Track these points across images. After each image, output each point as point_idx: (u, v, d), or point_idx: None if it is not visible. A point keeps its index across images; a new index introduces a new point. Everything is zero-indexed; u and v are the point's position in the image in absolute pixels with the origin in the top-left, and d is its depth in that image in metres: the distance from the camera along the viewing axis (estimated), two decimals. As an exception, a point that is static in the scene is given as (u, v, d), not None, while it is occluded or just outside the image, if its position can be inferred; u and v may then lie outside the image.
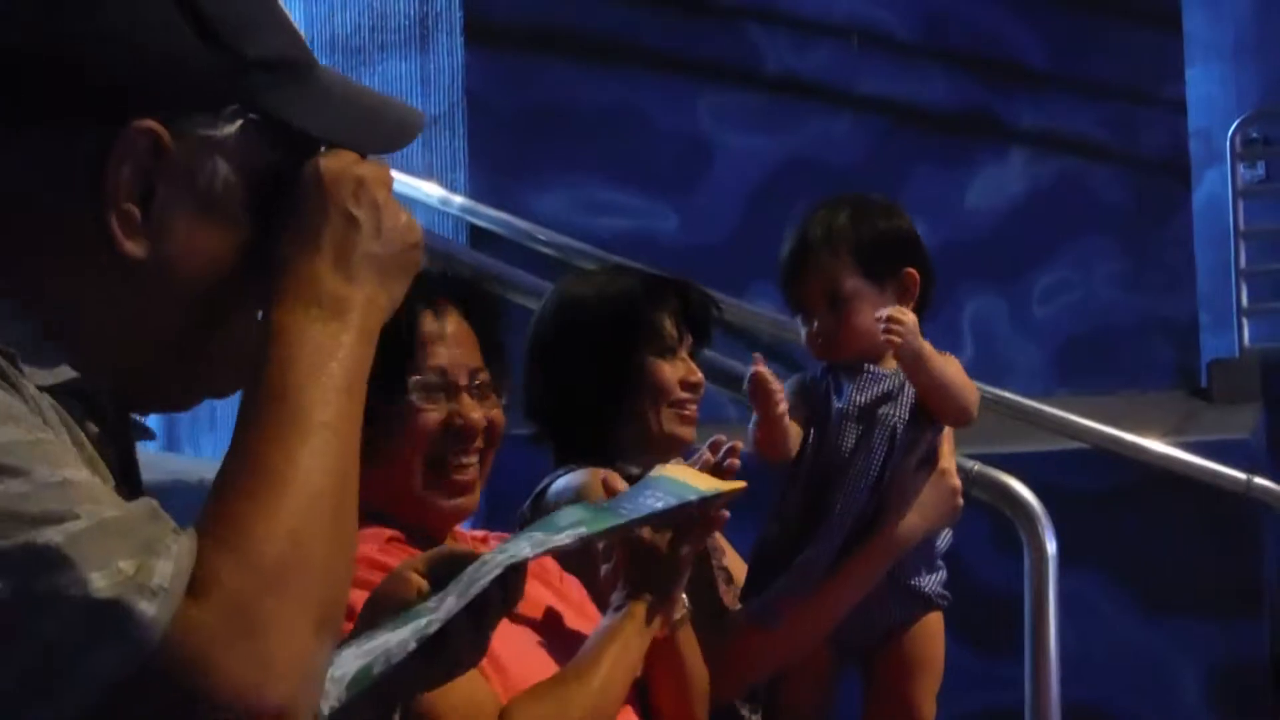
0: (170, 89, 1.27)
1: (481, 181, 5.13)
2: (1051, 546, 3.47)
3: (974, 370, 5.85)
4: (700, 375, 2.71)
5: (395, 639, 1.52)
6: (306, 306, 1.26)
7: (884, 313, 2.61)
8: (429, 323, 2.12)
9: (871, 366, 2.70)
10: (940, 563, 2.79)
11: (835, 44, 6.52)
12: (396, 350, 2.02)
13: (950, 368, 2.69)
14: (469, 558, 1.61)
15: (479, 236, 5.01)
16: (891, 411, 2.66)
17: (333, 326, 1.26)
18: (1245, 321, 7.94)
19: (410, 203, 5.08)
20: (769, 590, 2.65)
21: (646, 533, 2.07)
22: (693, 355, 2.73)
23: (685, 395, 2.66)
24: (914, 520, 2.67)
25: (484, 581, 1.53)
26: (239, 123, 1.29)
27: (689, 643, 2.29)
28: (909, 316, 2.62)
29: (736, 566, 2.76)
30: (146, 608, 1.08)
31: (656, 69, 5.78)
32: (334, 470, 1.22)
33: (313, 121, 1.33)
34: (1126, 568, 5.09)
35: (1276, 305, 8.65)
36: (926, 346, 2.64)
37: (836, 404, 2.69)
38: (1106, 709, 4.94)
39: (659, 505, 1.80)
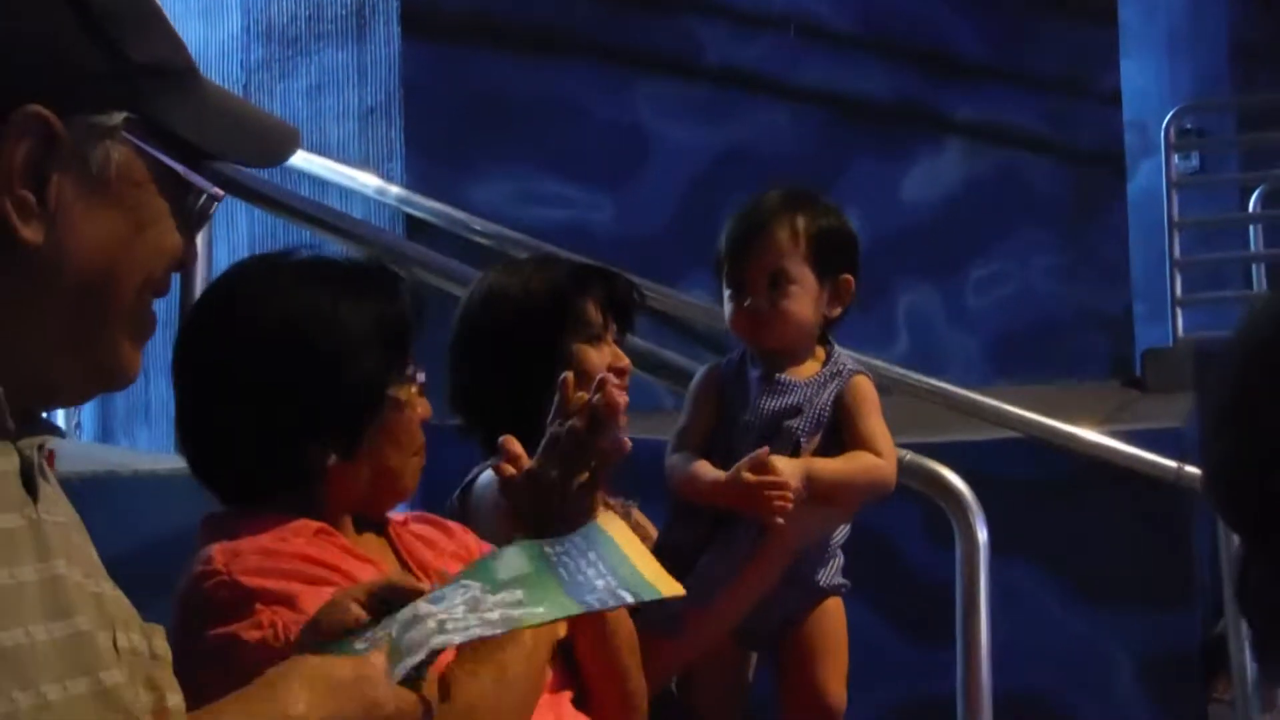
0: (59, 83, 1.28)
1: (418, 171, 5.12)
2: (983, 535, 3.48)
3: (909, 361, 5.92)
4: (627, 360, 2.72)
5: None
6: None
7: (762, 478, 2.58)
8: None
9: (782, 376, 2.71)
10: (838, 551, 2.80)
11: (774, 35, 6.53)
12: (404, 344, 2.07)
13: (851, 467, 2.68)
14: (408, 594, 1.60)
15: (415, 226, 4.99)
16: (796, 425, 2.67)
17: None
18: (1179, 311, 8.00)
19: (346, 193, 5.07)
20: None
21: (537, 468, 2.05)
22: (618, 341, 2.74)
23: (614, 381, 2.67)
24: (812, 524, 2.69)
25: (413, 660, 1.52)
26: (124, 116, 1.31)
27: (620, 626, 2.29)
28: (785, 471, 2.60)
29: None
30: None
31: (595, 60, 5.78)
32: None
33: (194, 129, 1.36)
34: (1059, 557, 5.12)
35: (1210, 295, 8.74)
36: (819, 478, 2.63)
37: (744, 410, 2.69)
38: (1039, 697, 4.97)
39: (597, 602, 1.68)
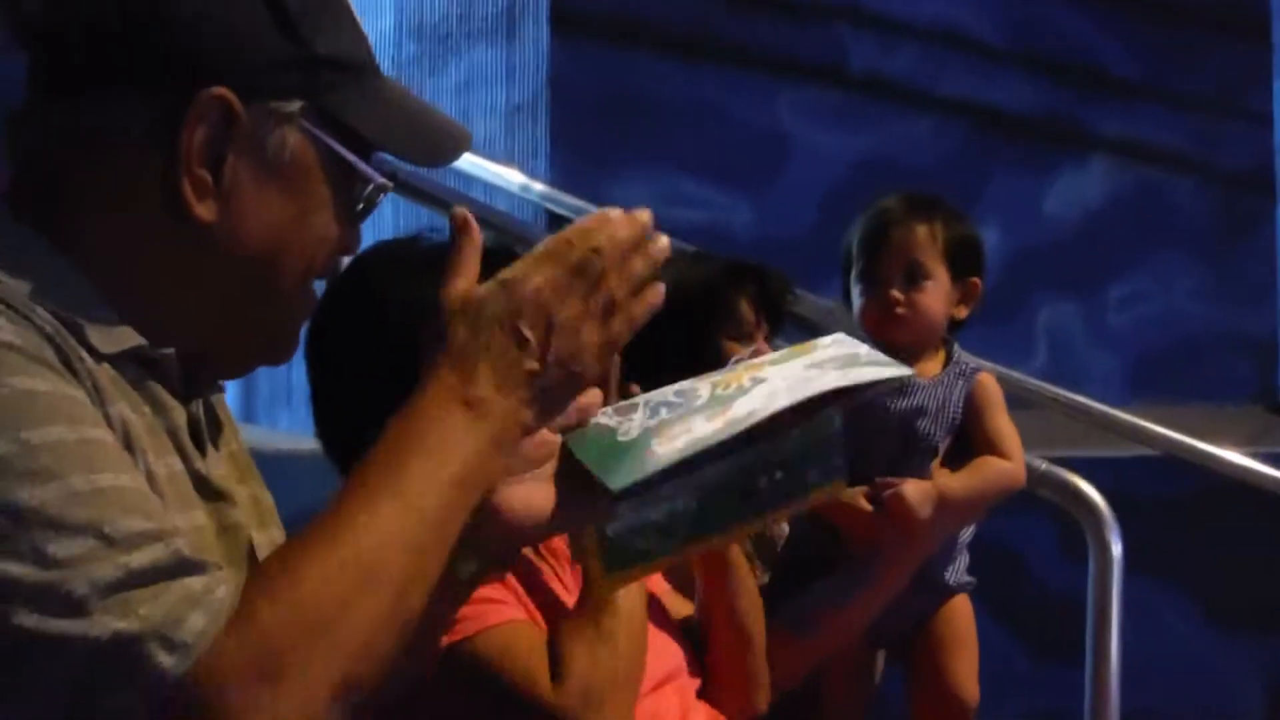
0: (245, 67, 1.33)
1: (562, 169, 5.17)
2: (1117, 549, 3.46)
3: (1047, 377, 5.88)
4: None
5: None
6: (448, 398, 1.28)
7: (890, 492, 2.58)
8: None
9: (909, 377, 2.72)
10: (964, 550, 2.80)
11: (921, 45, 6.51)
12: None
13: (982, 482, 2.68)
14: None
15: (557, 223, 5.04)
16: (931, 429, 2.68)
17: (467, 422, 1.27)
18: (1327, 339, 7.86)
19: (490, 188, 5.13)
20: (804, 597, 2.66)
21: None
22: (768, 340, 2.75)
23: (760, 379, 2.68)
24: (943, 534, 2.69)
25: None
26: (302, 104, 1.35)
27: (746, 587, 2.29)
28: (916, 501, 2.60)
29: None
30: (164, 659, 1.10)
31: (740, 64, 5.80)
32: (412, 554, 1.21)
33: (369, 124, 1.39)
34: (1193, 577, 5.06)
35: (1357, 323, 8.55)
36: (951, 499, 2.63)
37: (871, 411, 2.68)
38: (1166, 717, 4.92)
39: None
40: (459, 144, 1.50)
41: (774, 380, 1.46)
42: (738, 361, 1.94)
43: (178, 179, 1.31)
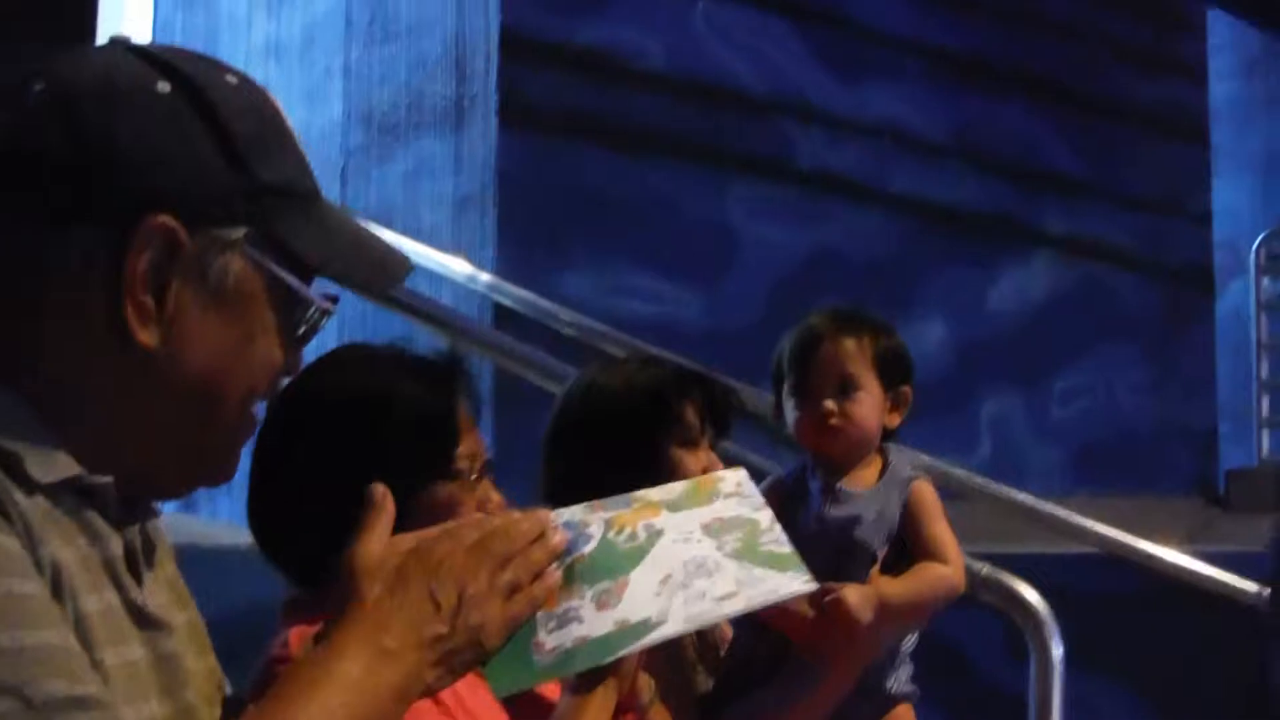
0: (190, 195, 1.34)
1: (509, 260, 5.17)
2: (1058, 651, 3.48)
3: (990, 469, 5.91)
4: (721, 467, 2.74)
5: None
6: (363, 644, 1.34)
7: (831, 597, 2.61)
8: (462, 410, 2.15)
9: (844, 486, 2.74)
10: (907, 658, 2.80)
11: (867, 141, 6.58)
12: (446, 439, 2.07)
13: (922, 585, 2.70)
14: None
15: (503, 315, 5.04)
16: (869, 538, 2.69)
17: (378, 669, 1.33)
18: (1265, 433, 7.94)
19: (436, 278, 5.13)
20: (747, 704, 2.66)
21: None
22: (713, 446, 2.76)
23: (707, 486, 2.69)
24: (883, 641, 2.70)
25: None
26: (246, 231, 1.36)
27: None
28: (856, 605, 2.62)
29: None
30: None
31: (688, 158, 5.84)
32: None
33: (312, 250, 1.41)
34: (1135, 674, 5.07)
35: (1297, 418, 8.66)
36: (891, 603, 2.65)
37: (808, 522, 2.71)
38: (1110, 815, 4.92)
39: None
40: (400, 269, 1.53)
41: (669, 541, 1.55)
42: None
43: (121, 305, 1.32)
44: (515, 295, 4.99)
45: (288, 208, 1.40)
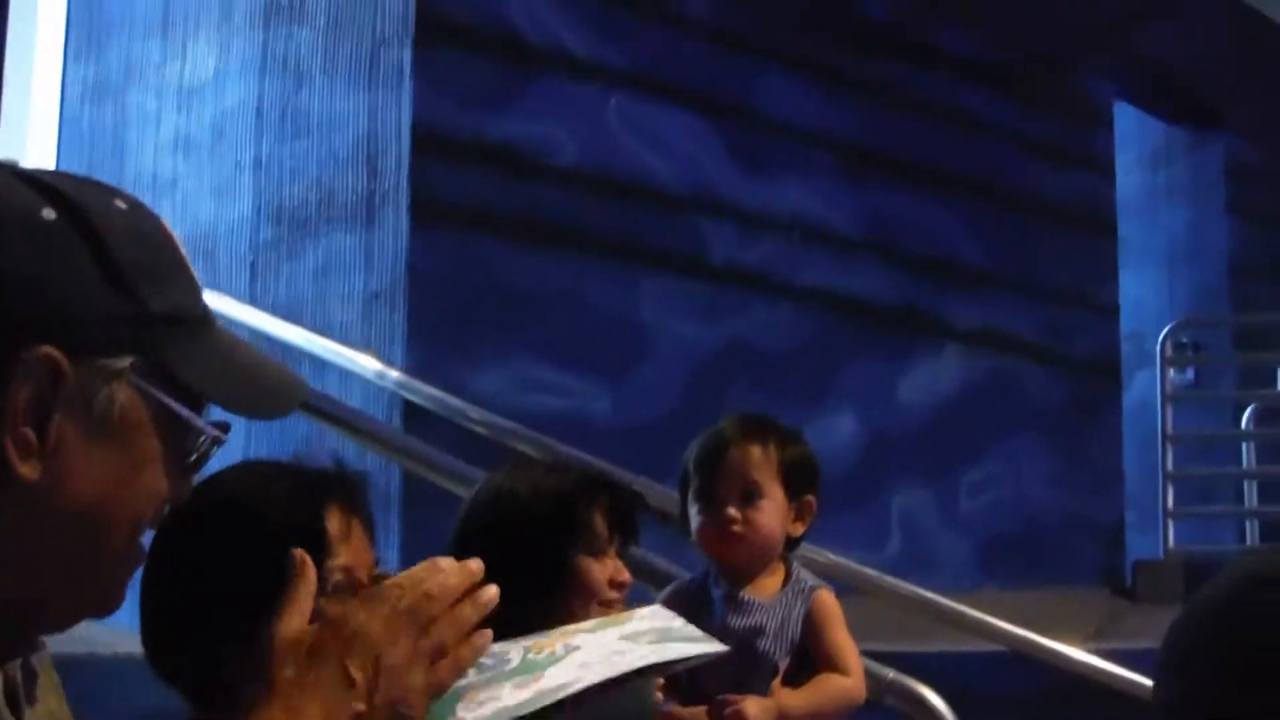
0: (73, 325, 1.31)
1: (419, 357, 5.16)
2: (964, 756, 3.49)
3: (900, 563, 5.92)
4: (628, 575, 2.73)
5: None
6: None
7: (731, 710, 2.63)
8: (334, 523, 2.12)
9: (747, 595, 2.74)
10: None
11: (779, 236, 6.63)
12: (310, 552, 2.03)
13: (822, 697, 2.72)
14: None
15: (413, 412, 5.02)
16: (771, 648, 2.70)
17: None
18: (1170, 524, 8.02)
19: (346, 375, 5.11)
20: None
21: None
22: (620, 554, 2.75)
23: (613, 595, 2.68)
24: None
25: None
26: (133, 360, 1.34)
27: None
28: (753, 710, 2.64)
29: None
30: None
31: (599, 253, 5.86)
32: None
33: (201, 379, 1.38)
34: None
35: (1201, 509, 8.77)
36: (788, 715, 2.67)
37: (710, 628, 2.71)
38: None
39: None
40: (292, 396, 1.50)
41: (587, 649, 1.49)
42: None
43: (1, 438, 1.30)
44: (425, 393, 4.96)
45: (176, 335, 1.37)
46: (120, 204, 1.38)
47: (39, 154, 6.18)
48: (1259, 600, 1.18)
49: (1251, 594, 1.20)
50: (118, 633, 5.24)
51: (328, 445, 4.59)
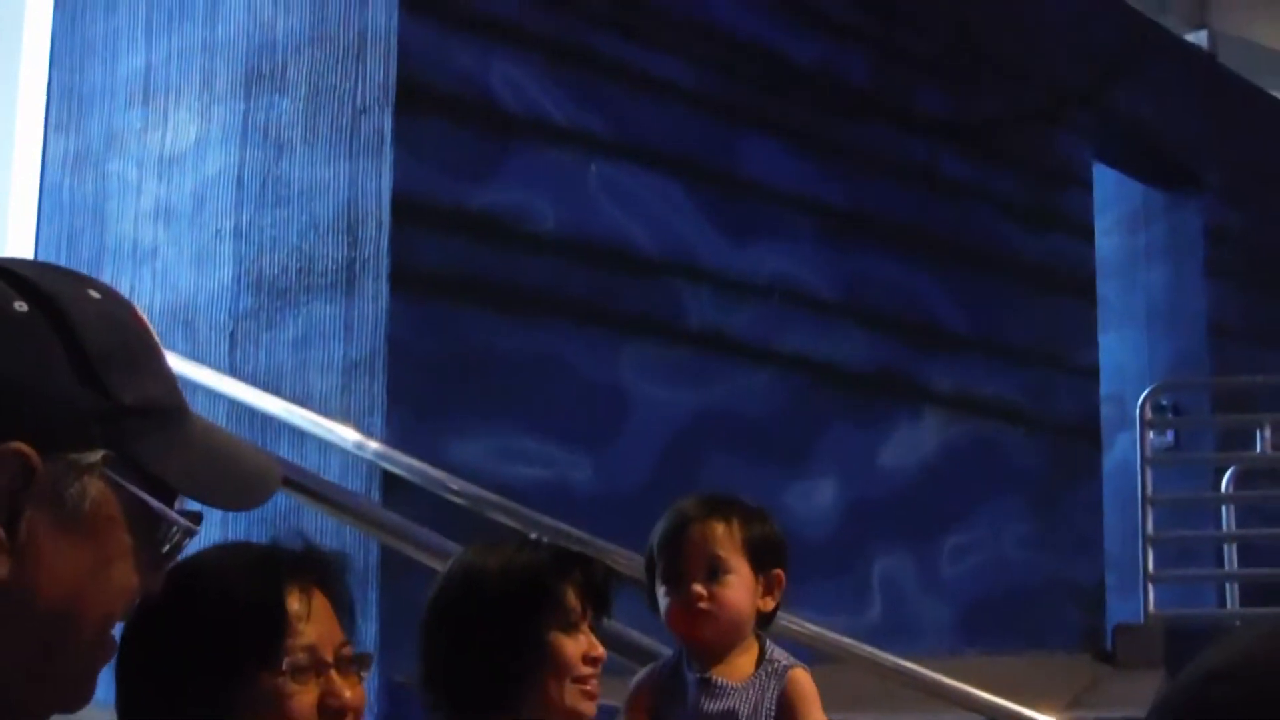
0: (43, 420, 1.30)
1: (398, 427, 5.15)
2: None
3: (881, 629, 5.90)
4: (602, 650, 2.73)
5: None
6: None
7: None
8: (294, 602, 2.11)
9: (720, 679, 2.74)
10: None
11: (759, 302, 6.64)
12: (265, 631, 2.03)
13: None
14: None
15: (392, 483, 5.00)
16: None
17: None
18: (1151, 587, 8.03)
19: (325, 446, 5.10)
20: None
21: None
22: (594, 628, 2.75)
23: (587, 670, 2.67)
24: None
25: None
26: (104, 454, 1.33)
27: None
28: None
29: None
30: None
31: (578, 321, 5.87)
32: None
33: (173, 471, 1.38)
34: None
35: (1182, 572, 8.78)
36: None
37: (683, 714, 2.71)
38: None
39: None
40: (266, 486, 1.49)
41: None
42: None
43: None
44: (404, 463, 4.95)
45: (148, 428, 1.36)
46: (93, 293, 1.38)
47: (19, 224, 6.18)
48: (1204, 694, 1.20)
49: (1199, 689, 1.22)
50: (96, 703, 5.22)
51: (305, 520, 4.59)
